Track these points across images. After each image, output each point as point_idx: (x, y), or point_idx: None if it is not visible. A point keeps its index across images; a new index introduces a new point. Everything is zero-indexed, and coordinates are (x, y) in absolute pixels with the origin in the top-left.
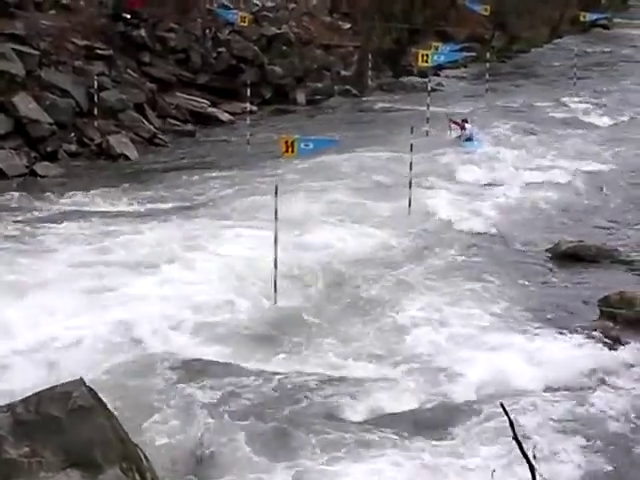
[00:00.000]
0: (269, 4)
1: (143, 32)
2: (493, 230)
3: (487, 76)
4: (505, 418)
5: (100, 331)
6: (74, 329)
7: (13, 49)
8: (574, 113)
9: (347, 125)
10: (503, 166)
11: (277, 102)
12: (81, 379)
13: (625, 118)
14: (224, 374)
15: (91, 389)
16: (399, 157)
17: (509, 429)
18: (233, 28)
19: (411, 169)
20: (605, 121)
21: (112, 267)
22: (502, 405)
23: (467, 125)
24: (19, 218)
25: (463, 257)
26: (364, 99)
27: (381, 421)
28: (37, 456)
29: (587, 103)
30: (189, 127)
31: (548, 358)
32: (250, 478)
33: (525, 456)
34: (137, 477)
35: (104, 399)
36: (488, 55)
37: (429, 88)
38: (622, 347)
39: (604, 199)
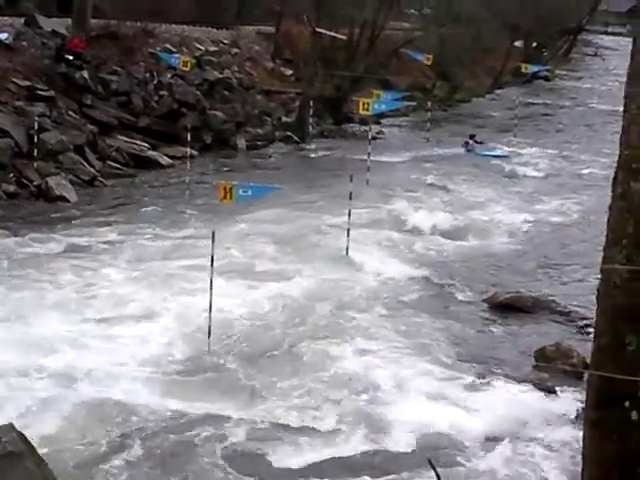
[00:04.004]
0: (212, 48)
1: (85, 74)
2: (430, 279)
3: (428, 125)
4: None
5: (34, 377)
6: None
7: None
8: (512, 163)
9: (287, 172)
10: (441, 215)
11: (218, 147)
12: (11, 424)
13: (562, 169)
14: (154, 421)
15: (21, 434)
16: (338, 205)
17: None
18: (176, 72)
19: (350, 217)
20: (543, 172)
21: (44, 311)
22: (429, 461)
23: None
24: None
25: (399, 306)
26: (305, 146)
27: (313, 470)
28: None
29: (526, 154)
30: (129, 170)
31: (484, 408)
32: None
33: None
34: None
35: (34, 444)
36: (429, 104)
37: (370, 136)
38: (558, 398)
39: (541, 249)
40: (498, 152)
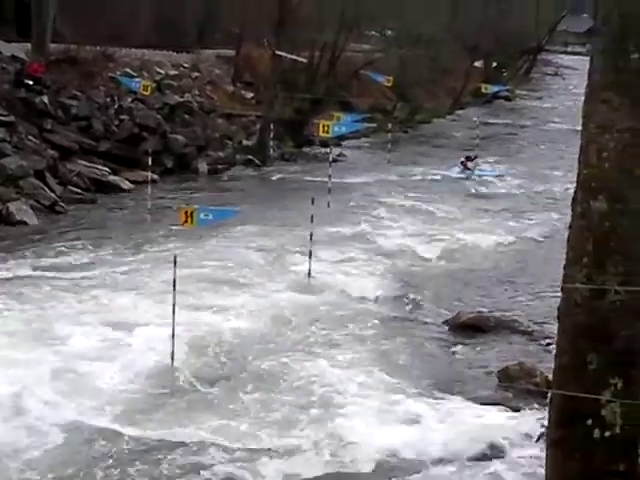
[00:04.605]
0: (173, 72)
1: (45, 99)
2: (392, 300)
3: (389, 146)
4: None
5: None
6: None
7: None
8: (474, 185)
9: (248, 195)
10: (404, 235)
11: (179, 171)
12: None
13: (525, 188)
14: (114, 443)
15: None
16: (300, 227)
17: None
18: (136, 96)
19: (311, 239)
20: (505, 191)
21: None
22: None
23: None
24: None
25: (362, 327)
26: (266, 169)
27: None
28: None
29: (486, 174)
30: (90, 195)
31: (447, 429)
32: None
33: None
34: None
35: None
36: (390, 126)
37: (330, 158)
38: (521, 417)
39: (505, 268)
40: (495, 172)
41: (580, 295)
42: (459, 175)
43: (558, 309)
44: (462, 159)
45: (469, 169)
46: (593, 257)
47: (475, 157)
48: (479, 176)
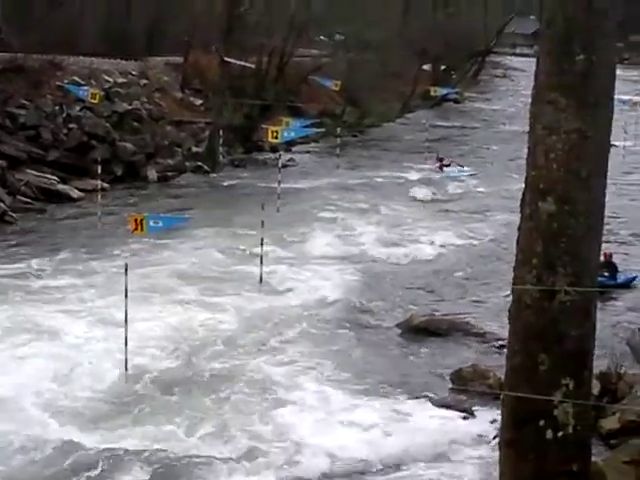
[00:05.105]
0: (121, 80)
1: None
2: (344, 304)
3: (338, 151)
4: None
5: None
6: None
7: None
8: (425, 188)
9: (198, 202)
10: (354, 240)
11: (129, 179)
12: None
13: (475, 190)
14: (65, 451)
15: None
16: (250, 233)
17: None
18: (84, 104)
19: (262, 244)
20: (456, 193)
21: None
22: None
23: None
24: None
25: (313, 332)
26: (216, 175)
27: None
28: None
29: (436, 177)
30: (40, 204)
31: (400, 432)
32: None
33: None
34: None
35: None
36: (339, 130)
37: (280, 164)
38: (474, 419)
39: (456, 273)
40: (467, 171)
41: (530, 296)
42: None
43: (509, 311)
44: (437, 162)
45: (443, 169)
46: (542, 258)
47: (446, 159)
48: (454, 175)
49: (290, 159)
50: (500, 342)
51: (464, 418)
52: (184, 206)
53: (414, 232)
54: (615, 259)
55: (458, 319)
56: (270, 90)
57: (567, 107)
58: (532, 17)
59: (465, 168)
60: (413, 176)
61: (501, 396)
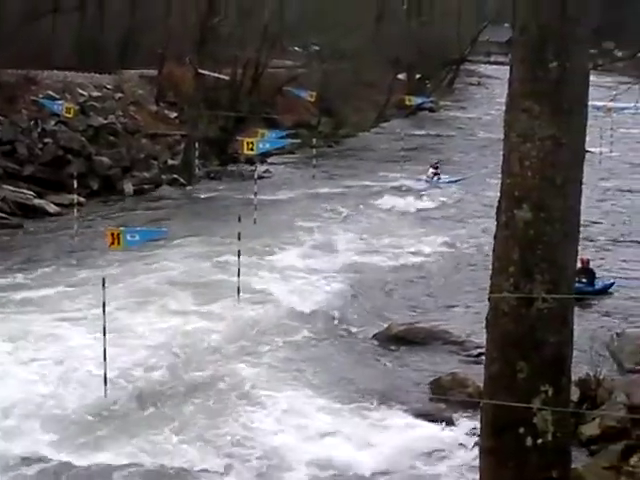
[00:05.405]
0: (95, 94)
1: None
2: (323, 315)
3: (314, 162)
4: None
5: None
6: None
7: None
8: (402, 196)
9: (175, 215)
10: (331, 250)
11: (105, 193)
12: None
13: (452, 198)
14: (45, 467)
15: None
16: (227, 246)
17: None
18: (59, 119)
19: (239, 257)
20: (433, 204)
21: None
22: None
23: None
24: None
25: (292, 343)
26: (192, 188)
27: None
28: None
29: (412, 186)
30: (16, 220)
31: (380, 443)
32: None
33: None
34: None
35: None
36: (315, 141)
37: (256, 176)
38: (455, 428)
39: (435, 281)
40: (457, 178)
41: (507, 304)
42: (425, 184)
43: (486, 319)
44: (431, 169)
45: (436, 178)
46: (519, 266)
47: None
48: (445, 182)
49: (266, 170)
50: (479, 350)
51: (444, 427)
52: (161, 219)
53: (392, 241)
54: (592, 265)
55: (437, 328)
56: (245, 102)
57: (541, 114)
58: (506, 25)
59: (447, 176)
60: (390, 185)
61: (480, 404)
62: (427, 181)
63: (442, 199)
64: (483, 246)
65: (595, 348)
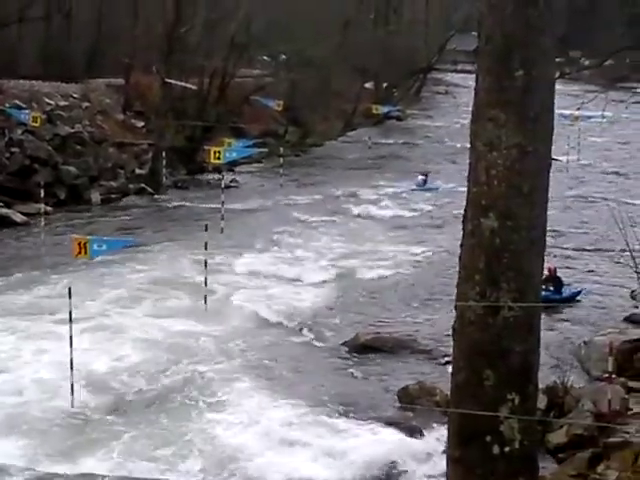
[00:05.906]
0: (62, 103)
1: None
2: (290, 325)
3: (281, 170)
4: None
5: None
6: None
7: None
8: (367, 205)
9: (142, 224)
10: (299, 259)
11: (72, 202)
12: None
13: (421, 207)
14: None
15: None
16: (194, 255)
17: None
18: (26, 128)
19: (206, 266)
20: (399, 213)
21: None
22: None
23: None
24: None
25: (258, 352)
26: (159, 197)
27: None
28: None
29: (380, 194)
30: None
31: (347, 452)
32: None
33: None
34: None
35: None
36: (282, 150)
37: (223, 185)
38: (422, 437)
39: (404, 289)
40: (443, 186)
41: (474, 313)
42: (418, 189)
43: (453, 328)
44: (421, 176)
45: (424, 184)
46: (485, 274)
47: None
48: (432, 189)
49: (233, 179)
50: (446, 358)
51: (411, 436)
52: (128, 228)
53: (362, 248)
54: (560, 273)
55: (404, 336)
56: (212, 111)
57: (507, 123)
58: (473, 33)
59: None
60: (358, 192)
61: (447, 413)
62: (416, 188)
63: (414, 206)
64: (454, 254)
65: (562, 356)
